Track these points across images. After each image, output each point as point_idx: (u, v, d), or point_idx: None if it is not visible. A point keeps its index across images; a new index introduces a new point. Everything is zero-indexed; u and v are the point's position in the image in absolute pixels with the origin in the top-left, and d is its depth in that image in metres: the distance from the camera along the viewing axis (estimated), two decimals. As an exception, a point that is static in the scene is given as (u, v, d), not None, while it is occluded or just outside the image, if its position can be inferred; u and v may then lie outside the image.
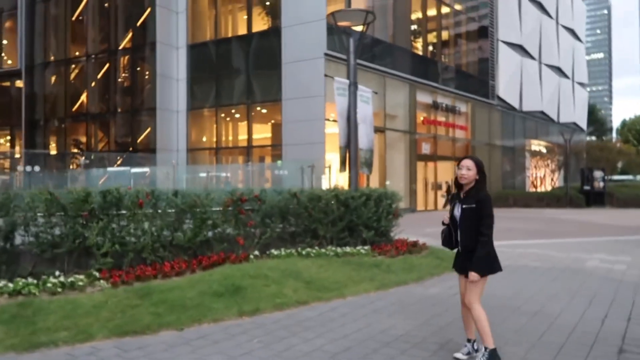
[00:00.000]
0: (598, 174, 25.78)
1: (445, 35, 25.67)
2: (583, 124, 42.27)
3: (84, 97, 24.10)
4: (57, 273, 5.19)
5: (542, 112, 33.86)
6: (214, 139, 21.16)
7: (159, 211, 6.20)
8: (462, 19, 26.54)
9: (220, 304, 4.86)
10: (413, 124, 22.04)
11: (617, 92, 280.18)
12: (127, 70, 23.25)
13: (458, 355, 3.71)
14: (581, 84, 41.83)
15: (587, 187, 25.63)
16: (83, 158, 22.39)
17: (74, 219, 5.51)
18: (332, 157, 16.47)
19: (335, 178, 16.67)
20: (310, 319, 4.75)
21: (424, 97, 22.91)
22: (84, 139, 24.46)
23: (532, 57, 32.54)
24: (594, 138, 56.75)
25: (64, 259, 5.46)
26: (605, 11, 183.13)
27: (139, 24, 22.15)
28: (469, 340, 3.72)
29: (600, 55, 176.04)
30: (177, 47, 21.44)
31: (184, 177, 16.76)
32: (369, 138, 8.49)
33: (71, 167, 23.45)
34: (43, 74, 25.16)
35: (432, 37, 25.00)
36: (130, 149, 21.81)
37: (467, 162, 3.60)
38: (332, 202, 7.38)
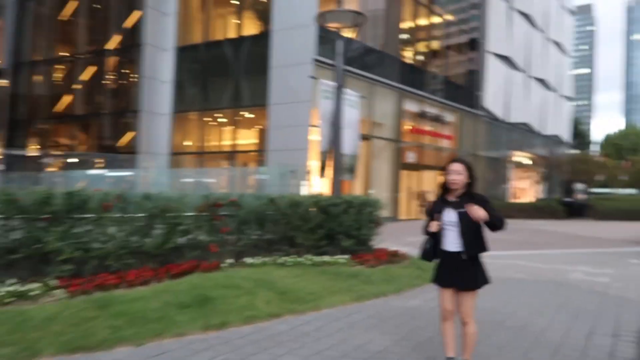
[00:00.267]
0: (580, 186, 25.96)
1: (434, 44, 25.70)
2: (566, 137, 42.67)
3: (68, 98, 23.61)
4: (11, 281, 4.83)
5: (527, 124, 34.07)
6: (198, 143, 20.79)
7: (128, 215, 5.88)
8: (452, 29, 26.62)
9: (185, 317, 4.55)
10: (399, 133, 21.92)
11: (600, 107, 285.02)
12: (113, 71, 22.83)
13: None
14: (566, 97, 42.27)
15: (569, 199, 25.76)
16: (53, 159, 21.87)
17: (33, 222, 5.17)
18: (316, 163, 16.23)
19: (318, 184, 16.41)
20: (282, 333, 4.47)
21: (411, 106, 22.83)
22: (66, 141, 23.93)
23: (519, 69, 32.77)
24: (576, 151, 57.37)
25: (21, 266, 5.10)
26: (591, 28, 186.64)
27: (127, 25, 21.79)
28: (448, 359, 3.48)
29: (586, 70, 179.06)
30: (164, 50, 21.09)
31: (164, 180, 16.35)
32: (354, 143, 8.27)
33: (50, 169, 22.88)
34: (28, 73, 24.62)
35: (421, 47, 25.01)
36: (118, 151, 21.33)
37: (457, 167, 3.35)
38: (312, 209, 7.12)
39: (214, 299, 5.01)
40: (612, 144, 63.94)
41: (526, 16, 33.64)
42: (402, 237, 12.23)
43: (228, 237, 6.59)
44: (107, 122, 22.42)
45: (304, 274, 6.31)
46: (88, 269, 5.36)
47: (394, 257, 7.96)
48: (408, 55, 23.76)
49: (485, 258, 3.43)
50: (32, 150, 24.58)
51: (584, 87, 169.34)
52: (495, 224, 3.25)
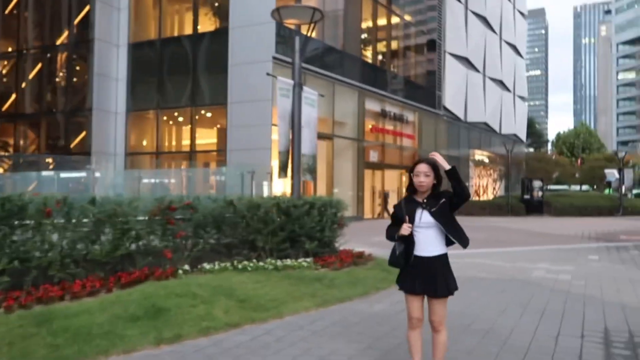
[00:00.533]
0: (537, 183, 26.68)
1: (394, 45, 25.83)
2: (523, 136, 43.99)
3: (15, 96, 22.32)
4: None
5: (486, 124, 34.85)
6: (155, 143, 20.06)
7: (73, 221, 5.42)
8: (411, 29, 26.83)
9: (135, 330, 4.19)
10: (361, 132, 21.88)
11: (552, 107, 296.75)
12: (62, 68, 21.75)
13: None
14: (521, 98, 43.56)
15: (527, 197, 26.45)
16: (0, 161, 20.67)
17: (-37, 230, 4.67)
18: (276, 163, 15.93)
19: (281, 185, 16.11)
20: (241, 344, 4.17)
21: (372, 105, 22.84)
22: (14, 141, 22.63)
23: (476, 70, 33.46)
24: (532, 150, 59.34)
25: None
26: (543, 31, 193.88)
27: (76, 19, 20.80)
28: (416, 368, 3.27)
29: (538, 72, 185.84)
30: (117, 45, 20.25)
31: (118, 182, 15.67)
32: (313, 143, 8.02)
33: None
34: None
35: (381, 47, 25.08)
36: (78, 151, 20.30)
37: (424, 168, 3.16)
38: (273, 211, 6.83)
39: (167, 309, 4.66)
40: (564, 142, 66.46)
41: (482, 18, 34.39)
42: (368, 237, 12.09)
43: (184, 242, 6.22)
44: (58, 121, 21.36)
45: (266, 280, 6.02)
46: (28, 281, 4.89)
47: (359, 258, 7.78)
48: (368, 55, 23.77)
49: (450, 257, 3.25)
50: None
51: (538, 89, 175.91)
52: (462, 187, 3.13)
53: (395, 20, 25.52)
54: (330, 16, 20.62)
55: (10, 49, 22.83)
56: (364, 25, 23.23)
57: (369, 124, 22.72)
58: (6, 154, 22.50)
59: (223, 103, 17.98)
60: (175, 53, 19.52)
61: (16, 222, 4.99)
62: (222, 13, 18.82)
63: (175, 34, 20.70)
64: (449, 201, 3.16)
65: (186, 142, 19.87)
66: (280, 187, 15.73)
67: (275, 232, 6.91)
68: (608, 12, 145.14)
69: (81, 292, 4.94)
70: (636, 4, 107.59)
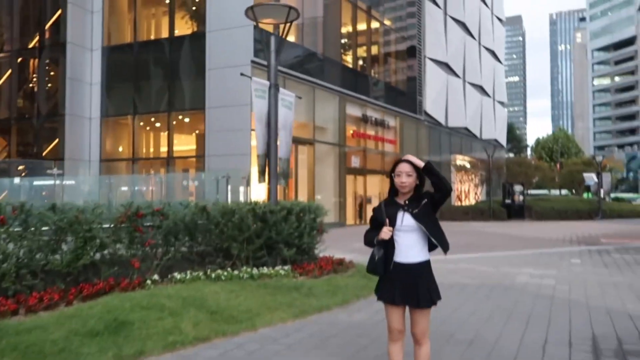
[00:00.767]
0: (518, 188, 26.83)
1: (375, 50, 25.78)
2: (503, 141, 44.38)
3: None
4: None
5: (466, 129, 35.02)
6: (131, 149, 19.54)
7: (31, 229, 5.06)
8: (391, 34, 26.83)
9: (93, 347, 3.84)
10: (343, 137, 21.69)
11: (530, 113, 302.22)
12: (34, 72, 21.12)
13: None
14: (501, 103, 43.99)
15: (508, 201, 26.56)
16: None
17: None
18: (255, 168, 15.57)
19: (261, 190, 15.77)
20: (209, 361, 3.87)
21: (353, 110, 22.69)
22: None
23: (457, 75, 33.64)
24: (512, 155, 60.03)
25: None
26: (520, 38, 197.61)
27: (48, 23, 20.22)
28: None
29: (516, 78, 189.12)
30: (91, 49, 19.72)
31: (84, 189, 15.13)
32: (288, 147, 7.75)
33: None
34: None
35: (362, 52, 25.00)
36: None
37: (406, 167, 2.93)
38: (248, 217, 6.53)
39: (131, 323, 4.32)
40: (543, 147, 67.42)
41: (461, 24, 34.66)
42: (349, 243, 11.86)
43: (153, 250, 5.88)
44: (30, 127, 20.68)
45: (240, 289, 5.71)
46: (-23, 295, 4.51)
47: (339, 265, 7.53)
48: (349, 60, 23.66)
49: (433, 263, 3.01)
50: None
51: (516, 94, 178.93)
52: (442, 180, 2.91)
53: (375, 25, 25.49)
54: (310, 21, 20.46)
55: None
56: (344, 30, 23.13)
57: (350, 129, 22.55)
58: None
59: (201, 108, 17.60)
60: (151, 57, 19.10)
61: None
62: (199, 16, 18.49)
63: (151, 37, 20.27)
64: (431, 201, 2.93)
65: (163, 148, 19.41)
66: (261, 192, 15.41)
67: (251, 239, 6.62)
68: (583, 19, 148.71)
69: (37, 306, 4.57)
70: (610, 12, 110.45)
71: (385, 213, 2.94)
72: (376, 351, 4.10)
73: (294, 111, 8.17)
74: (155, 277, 5.74)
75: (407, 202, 2.94)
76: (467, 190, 33.78)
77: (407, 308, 2.96)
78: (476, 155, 34.63)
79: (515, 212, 25.90)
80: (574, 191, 48.24)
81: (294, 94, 8.04)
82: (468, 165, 33.80)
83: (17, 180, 18.78)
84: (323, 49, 21.05)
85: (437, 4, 31.02)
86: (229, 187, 11.61)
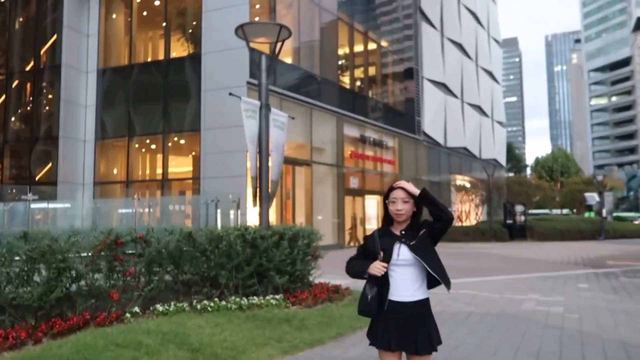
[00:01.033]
0: (519, 208, 26.44)
1: (372, 70, 25.73)
2: (502, 161, 44.18)
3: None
4: None
5: (465, 148, 34.84)
6: (126, 172, 19.23)
7: (1, 260, 4.69)
8: (388, 55, 26.83)
9: (55, 395, 3.45)
10: (341, 158, 21.42)
11: (528, 133, 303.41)
12: (29, 95, 20.96)
13: None
14: (500, 123, 43.94)
15: (509, 221, 26.15)
16: None
17: None
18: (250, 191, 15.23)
19: (253, 214, 15.40)
20: (186, 409, 3.46)
21: (351, 131, 22.48)
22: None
23: (454, 96, 33.61)
24: (511, 174, 59.80)
25: None
26: (517, 59, 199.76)
27: (44, 45, 20.15)
28: None
29: (514, 98, 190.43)
30: (86, 72, 19.59)
31: (72, 213, 14.75)
32: (279, 169, 7.43)
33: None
34: None
35: (359, 73, 24.95)
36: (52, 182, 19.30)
37: (401, 194, 2.59)
38: (237, 243, 6.16)
39: (102, 365, 3.93)
40: (543, 166, 67.24)
41: (458, 45, 34.80)
42: (345, 267, 11.36)
43: (134, 280, 5.49)
44: (23, 150, 20.42)
45: (227, 322, 5.31)
46: None
47: (334, 293, 7.14)
48: (346, 81, 23.58)
49: (433, 288, 2.66)
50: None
51: (514, 114, 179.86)
52: (441, 209, 2.56)
53: (372, 46, 25.49)
54: (307, 42, 20.40)
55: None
56: (341, 51, 23.09)
57: (348, 150, 22.31)
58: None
59: (196, 129, 17.37)
60: (146, 79, 18.95)
61: None
62: (194, 38, 18.40)
63: (147, 59, 20.17)
64: (430, 231, 2.58)
65: (159, 170, 19.11)
66: (256, 216, 15.05)
67: (240, 267, 6.24)
68: (578, 40, 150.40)
69: (1, 345, 4.17)
70: (604, 33, 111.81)
71: (380, 244, 2.60)
72: (372, 395, 3.69)
73: (287, 132, 7.90)
74: (136, 309, 5.35)
75: (403, 232, 2.60)
76: (467, 211, 33.38)
77: (403, 354, 2.59)
78: (476, 175, 34.35)
79: (517, 232, 25.47)
80: (574, 210, 47.87)
81: (286, 115, 7.76)
82: (468, 185, 33.49)
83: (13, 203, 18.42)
84: (320, 70, 20.95)
85: (433, 26, 31.16)
86: (219, 211, 11.24)
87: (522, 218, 26.10)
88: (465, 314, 6.72)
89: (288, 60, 19.51)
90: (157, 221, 16.44)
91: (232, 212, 11.99)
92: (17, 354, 4.14)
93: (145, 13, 20.54)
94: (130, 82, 19.15)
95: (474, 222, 31.70)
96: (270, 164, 7.05)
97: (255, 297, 6.18)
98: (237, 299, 6.01)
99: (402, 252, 2.55)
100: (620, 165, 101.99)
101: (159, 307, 5.51)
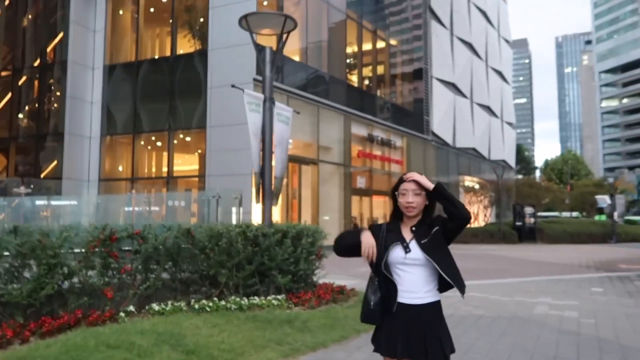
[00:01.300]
0: (529, 210, 26.03)
1: (381, 69, 25.43)
2: (512, 162, 43.66)
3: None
4: None
5: (474, 149, 34.43)
6: (131, 169, 19.10)
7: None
8: (397, 54, 26.53)
9: (37, 399, 3.23)
10: (348, 157, 21.15)
11: (538, 134, 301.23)
12: (34, 91, 20.91)
13: None
14: (509, 124, 43.43)
15: (519, 223, 25.75)
16: None
17: None
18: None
19: (257, 212, 15.17)
20: (176, 416, 3.23)
21: (359, 130, 22.21)
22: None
23: (464, 96, 33.21)
24: (520, 176, 59.20)
25: None
26: (527, 60, 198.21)
27: (50, 42, 20.07)
28: None
29: (523, 100, 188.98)
30: (92, 68, 19.49)
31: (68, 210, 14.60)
32: (283, 165, 7.18)
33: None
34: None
35: (367, 71, 24.66)
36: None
37: (412, 185, 2.33)
38: (238, 241, 5.93)
39: (90, 367, 3.71)
40: (553, 168, 66.54)
41: (468, 44, 34.40)
42: (352, 267, 11.14)
43: (130, 278, 5.28)
44: (29, 146, 20.36)
45: (225, 323, 5.08)
46: None
47: (339, 294, 6.89)
48: (354, 79, 23.31)
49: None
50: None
51: (524, 116, 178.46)
52: (457, 206, 2.28)
53: (381, 45, 25.20)
54: (315, 40, 20.16)
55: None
56: (349, 49, 22.82)
57: (356, 149, 22.03)
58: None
59: (202, 127, 17.19)
60: (152, 75, 18.80)
61: None
62: (201, 35, 18.22)
63: (153, 56, 20.04)
64: (443, 228, 2.32)
65: (164, 167, 18.96)
66: (257, 214, 14.83)
67: (241, 266, 6.00)
68: (589, 42, 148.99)
69: (-15, 345, 3.97)
70: (615, 34, 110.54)
71: (386, 239, 2.33)
72: (377, 404, 3.44)
73: (292, 127, 7.67)
74: (131, 308, 5.14)
75: (414, 228, 2.34)
76: (476, 212, 32.96)
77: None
78: (485, 176, 33.92)
79: (526, 234, 25.07)
80: (584, 213, 47.21)
81: (291, 109, 7.52)
82: (477, 186, 33.09)
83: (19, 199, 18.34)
84: (328, 69, 20.70)
85: (443, 25, 30.80)
86: (219, 208, 11.02)
87: (532, 220, 25.70)
88: (474, 317, 6.44)
89: (296, 58, 19.29)
90: (162, 218, 16.28)
91: (233, 209, 11.74)
92: (2, 354, 3.93)
93: (152, 9, 20.42)
94: (136, 78, 19.02)
95: (482, 224, 31.29)
96: (273, 159, 6.81)
97: (256, 297, 5.95)
98: (237, 299, 5.77)
99: (414, 251, 2.29)
100: (631, 168, 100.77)
101: (155, 307, 5.29)
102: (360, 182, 22.14)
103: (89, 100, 19.18)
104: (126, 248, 5.35)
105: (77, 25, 19.02)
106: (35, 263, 4.65)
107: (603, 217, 39.10)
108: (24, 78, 20.69)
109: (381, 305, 2.27)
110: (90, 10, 19.59)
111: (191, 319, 5.04)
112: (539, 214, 34.62)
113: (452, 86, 31.53)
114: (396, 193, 2.39)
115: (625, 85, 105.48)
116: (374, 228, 2.42)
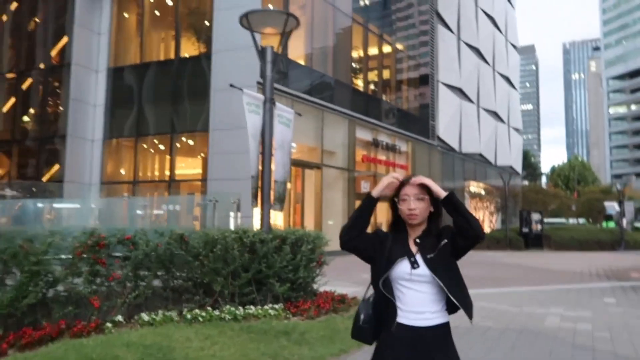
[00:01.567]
0: (536, 216, 25.61)
1: (386, 73, 25.20)
2: (519, 168, 43.21)
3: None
4: None
5: (481, 155, 34.06)
6: (133, 172, 18.92)
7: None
8: (403, 58, 26.28)
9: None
10: (352, 162, 20.88)
11: (544, 141, 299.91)
12: (37, 93, 20.81)
13: None
14: (516, 130, 43.02)
15: (525, 230, 25.33)
16: None
17: None
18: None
19: (256, 216, 14.91)
20: None
21: (364, 135, 21.95)
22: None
23: (470, 101, 32.89)
24: (527, 182, 58.67)
25: None
26: (533, 67, 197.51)
27: (54, 44, 19.99)
28: None
29: (530, 106, 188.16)
30: (96, 70, 19.36)
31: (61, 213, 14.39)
32: (285, 168, 6.92)
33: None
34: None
35: (373, 75, 24.42)
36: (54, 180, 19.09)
37: (414, 190, 2.05)
38: (234, 247, 5.66)
39: (69, 383, 3.45)
40: (559, 174, 65.95)
41: (475, 49, 34.11)
42: (356, 274, 10.87)
43: (118, 286, 5.02)
44: (31, 148, 20.25)
45: (218, 334, 4.80)
46: None
47: (340, 303, 6.59)
48: (359, 83, 23.07)
49: None
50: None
51: (530, 122, 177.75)
52: (469, 220, 1.99)
53: (387, 49, 24.98)
54: (321, 43, 19.96)
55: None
56: (355, 54, 22.60)
57: (360, 154, 21.77)
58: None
59: (205, 130, 16.99)
60: (156, 78, 18.64)
61: None
62: (205, 37, 18.06)
63: (157, 58, 19.89)
64: (452, 242, 2.04)
65: (166, 170, 18.77)
66: (256, 218, 14.58)
67: (237, 273, 5.74)
68: (597, 48, 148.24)
69: (-41, 358, 3.72)
70: (624, 40, 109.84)
71: (390, 251, 2.06)
72: None
73: (296, 131, 7.42)
74: (119, 318, 4.88)
75: (418, 240, 2.06)
76: (482, 218, 32.56)
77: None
78: (491, 182, 33.53)
79: (533, 241, 24.63)
80: (590, 220, 46.63)
81: (293, 111, 7.27)
82: (483, 192, 32.72)
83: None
84: (333, 72, 20.48)
85: (450, 29, 30.54)
86: (217, 212, 10.77)
87: (539, 227, 25.27)
88: (482, 329, 6.13)
89: (301, 61, 19.09)
90: (165, 222, 16.06)
91: (231, 214, 11.47)
92: (-24, 367, 3.69)
93: (157, 12, 20.30)
94: (139, 81, 18.87)
95: (488, 230, 30.88)
96: (273, 163, 6.56)
97: (252, 307, 5.67)
98: (232, 309, 5.50)
99: (412, 265, 2.02)
100: (639, 175, 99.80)
101: (145, 316, 5.03)
102: (365, 187, 21.84)
103: (92, 102, 19.04)
104: (117, 254, 5.10)
105: (81, 27, 18.91)
106: (18, 270, 4.41)
107: (611, 224, 38.54)
108: (27, 80, 20.60)
109: (372, 323, 2.00)
110: (95, 13, 19.49)
111: (182, 330, 4.78)
112: (546, 220, 34.18)
113: (459, 91, 31.22)
114: (395, 200, 2.11)
115: (633, 91, 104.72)
116: (381, 234, 2.16)
